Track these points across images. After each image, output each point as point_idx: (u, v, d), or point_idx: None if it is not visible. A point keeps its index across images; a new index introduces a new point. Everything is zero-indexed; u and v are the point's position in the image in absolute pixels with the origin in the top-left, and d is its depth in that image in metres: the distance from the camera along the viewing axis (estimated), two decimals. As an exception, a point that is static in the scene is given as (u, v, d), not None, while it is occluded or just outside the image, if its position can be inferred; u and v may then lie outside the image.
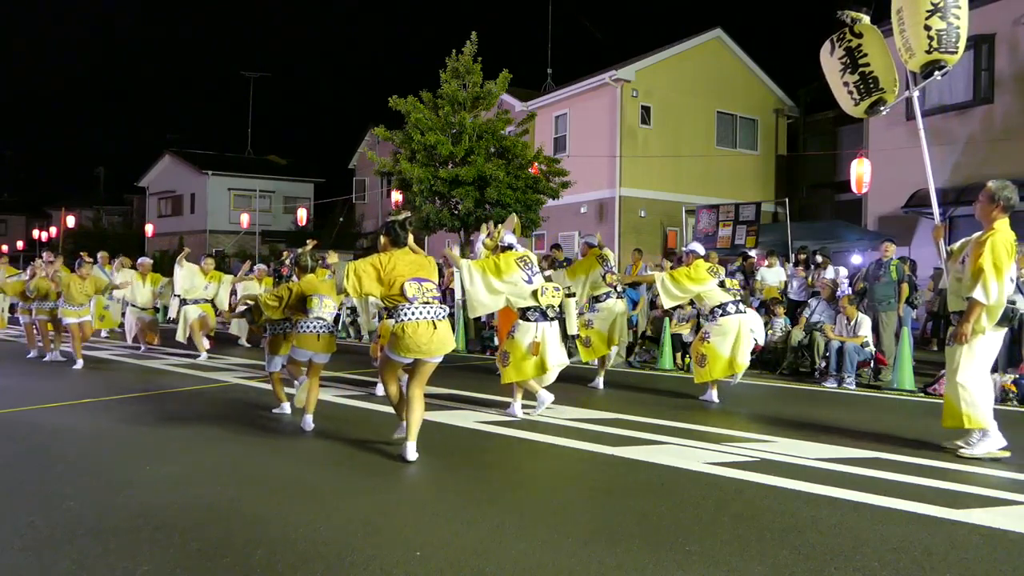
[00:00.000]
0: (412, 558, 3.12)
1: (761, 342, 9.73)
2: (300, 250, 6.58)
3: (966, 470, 4.62)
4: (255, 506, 3.84)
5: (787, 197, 16.16)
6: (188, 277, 10.72)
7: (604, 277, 7.98)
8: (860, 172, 11.95)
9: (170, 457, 4.90)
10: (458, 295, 11.50)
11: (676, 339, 10.29)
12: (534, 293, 6.20)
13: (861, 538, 3.38)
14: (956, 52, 5.42)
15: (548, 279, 6.87)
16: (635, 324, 11.23)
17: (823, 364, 8.85)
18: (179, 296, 10.73)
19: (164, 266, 19.81)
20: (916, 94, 5.81)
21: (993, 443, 4.97)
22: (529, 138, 16.38)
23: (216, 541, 3.31)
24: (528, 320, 6.30)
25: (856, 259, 13.84)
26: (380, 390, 7.18)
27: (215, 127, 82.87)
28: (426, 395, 7.34)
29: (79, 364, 9.54)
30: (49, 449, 5.11)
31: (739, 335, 7.23)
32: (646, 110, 19.33)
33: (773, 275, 11.74)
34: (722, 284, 7.35)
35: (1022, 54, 13.02)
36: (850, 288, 10.26)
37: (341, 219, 32.50)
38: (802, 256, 12.62)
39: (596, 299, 8.12)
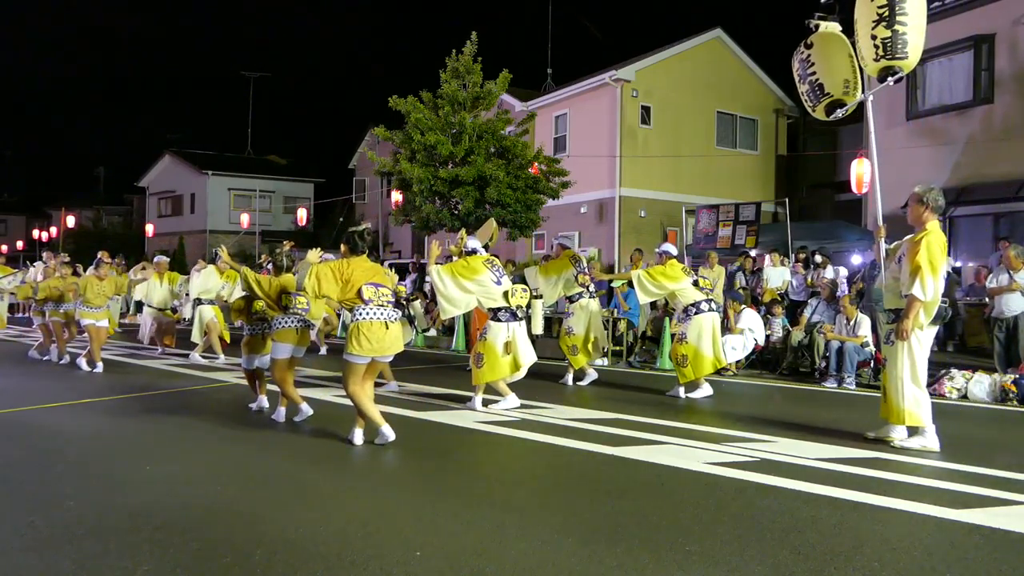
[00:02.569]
0: (412, 558, 3.12)
1: (761, 342, 9.77)
2: (277, 250, 6.92)
3: (966, 470, 4.61)
4: (255, 506, 3.84)
5: (787, 197, 16.14)
6: (205, 278, 10.62)
7: (577, 278, 8.34)
8: (860, 172, 11.94)
9: (170, 457, 4.91)
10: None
11: (676, 339, 10.29)
12: (505, 294, 6.50)
13: (861, 538, 3.38)
14: (907, 57, 5.60)
15: (522, 279, 7.06)
16: (635, 325, 11.24)
17: (823, 364, 8.84)
18: (197, 297, 10.63)
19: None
20: (870, 99, 6.02)
21: (929, 440, 5.13)
22: (529, 138, 16.39)
23: (216, 541, 3.31)
24: (499, 320, 6.61)
25: (856, 259, 13.85)
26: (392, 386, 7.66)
27: (215, 127, 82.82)
28: (425, 395, 7.41)
29: (99, 368, 9.18)
30: (49, 449, 5.11)
31: (714, 331, 7.54)
32: (646, 110, 19.32)
33: (777, 275, 11.75)
34: (696, 283, 7.62)
35: (1022, 54, 13.00)
36: (849, 288, 10.27)
37: (341, 219, 32.45)
38: (802, 256, 12.63)
39: (570, 299, 8.48)
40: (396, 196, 17.31)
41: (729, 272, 12.01)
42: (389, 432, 5.19)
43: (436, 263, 6.42)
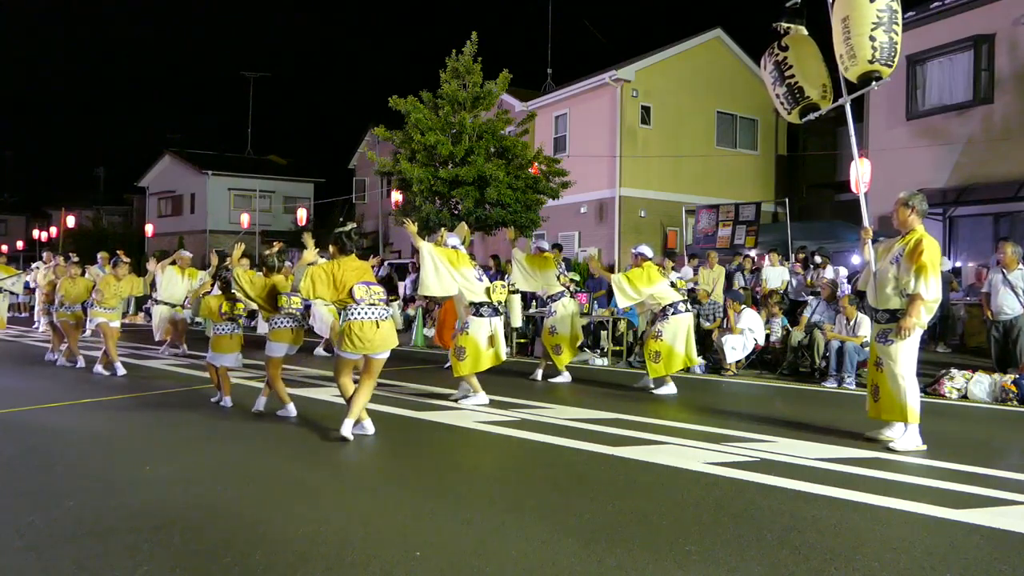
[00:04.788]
0: (412, 558, 3.12)
1: (761, 342, 9.77)
2: (267, 252, 6.93)
3: (966, 470, 4.61)
4: (255, 506, 3.84)
5: (787, 197, 16.15)
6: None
7: (559, 278, 8.62)
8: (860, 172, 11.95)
9: (170, 457, 4.90)
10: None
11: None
12: (487, 290, 6.72)
13: (861, 538, 3.38)
14: (891, 66, 5.72)
15: (502, 277, 7.25)
16: (635, 325, 11.24)
17: (823, 364, 8.84)
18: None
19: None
20: (848, 102, 6.09)
21: (917, 439, 5.16)
22: (529, 138, 16.39)
23: (216, 541, 3.31)
24: (482, 316, 6.81)
25: (856, 259, 13.85)
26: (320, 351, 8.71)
27: (215, 127, 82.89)
28: (425, 395, 7.41)
29: (120, 370, 8.82)
30: (49, 449, 5.10)
31: (689, 332, 7.76)
32: (646, 110, 19.31)
33: (775, 275, 11.75)
34: (673, 284, 7.85)
35: (1022, 54, 13.00)
36: (850, 288, 10.25)
37: (341, 219, 32.47)
38: (801, 256, 12.62)
39: (551, 298, 8.68)
40: (396, 196, 17.32)
41: (729, 272, 12.01)
42: (369, 426, 5.47)
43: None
